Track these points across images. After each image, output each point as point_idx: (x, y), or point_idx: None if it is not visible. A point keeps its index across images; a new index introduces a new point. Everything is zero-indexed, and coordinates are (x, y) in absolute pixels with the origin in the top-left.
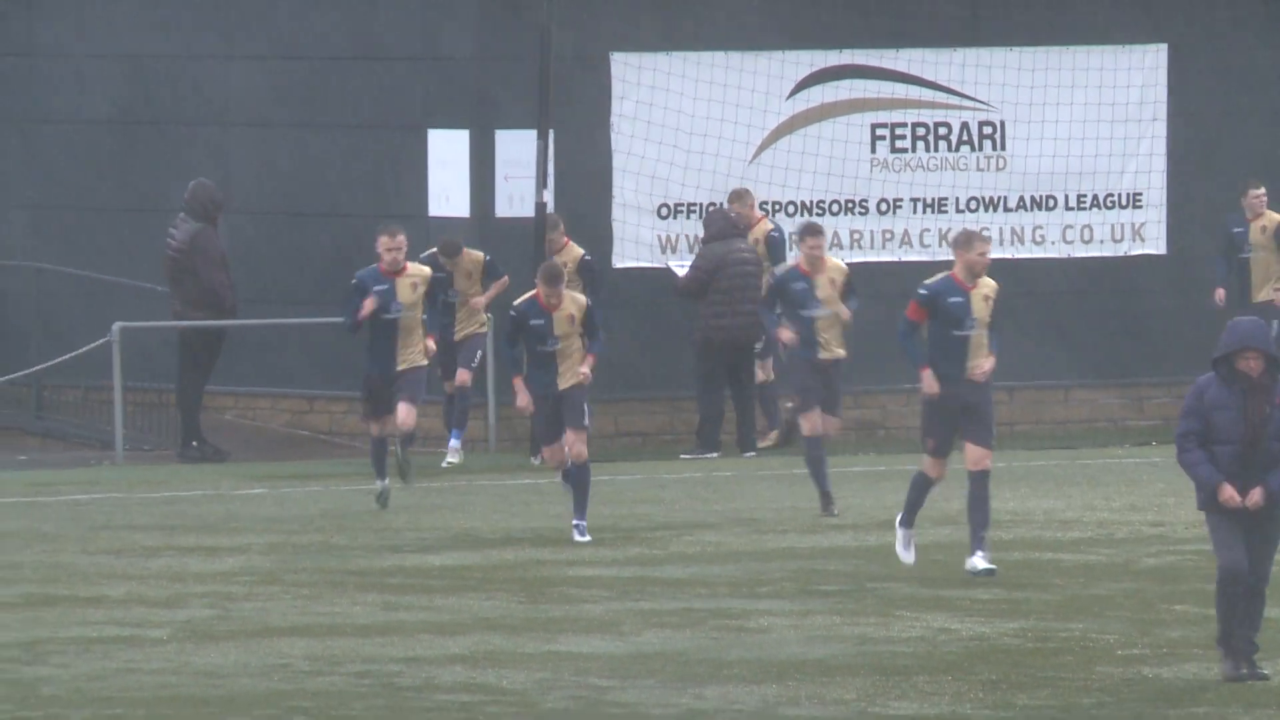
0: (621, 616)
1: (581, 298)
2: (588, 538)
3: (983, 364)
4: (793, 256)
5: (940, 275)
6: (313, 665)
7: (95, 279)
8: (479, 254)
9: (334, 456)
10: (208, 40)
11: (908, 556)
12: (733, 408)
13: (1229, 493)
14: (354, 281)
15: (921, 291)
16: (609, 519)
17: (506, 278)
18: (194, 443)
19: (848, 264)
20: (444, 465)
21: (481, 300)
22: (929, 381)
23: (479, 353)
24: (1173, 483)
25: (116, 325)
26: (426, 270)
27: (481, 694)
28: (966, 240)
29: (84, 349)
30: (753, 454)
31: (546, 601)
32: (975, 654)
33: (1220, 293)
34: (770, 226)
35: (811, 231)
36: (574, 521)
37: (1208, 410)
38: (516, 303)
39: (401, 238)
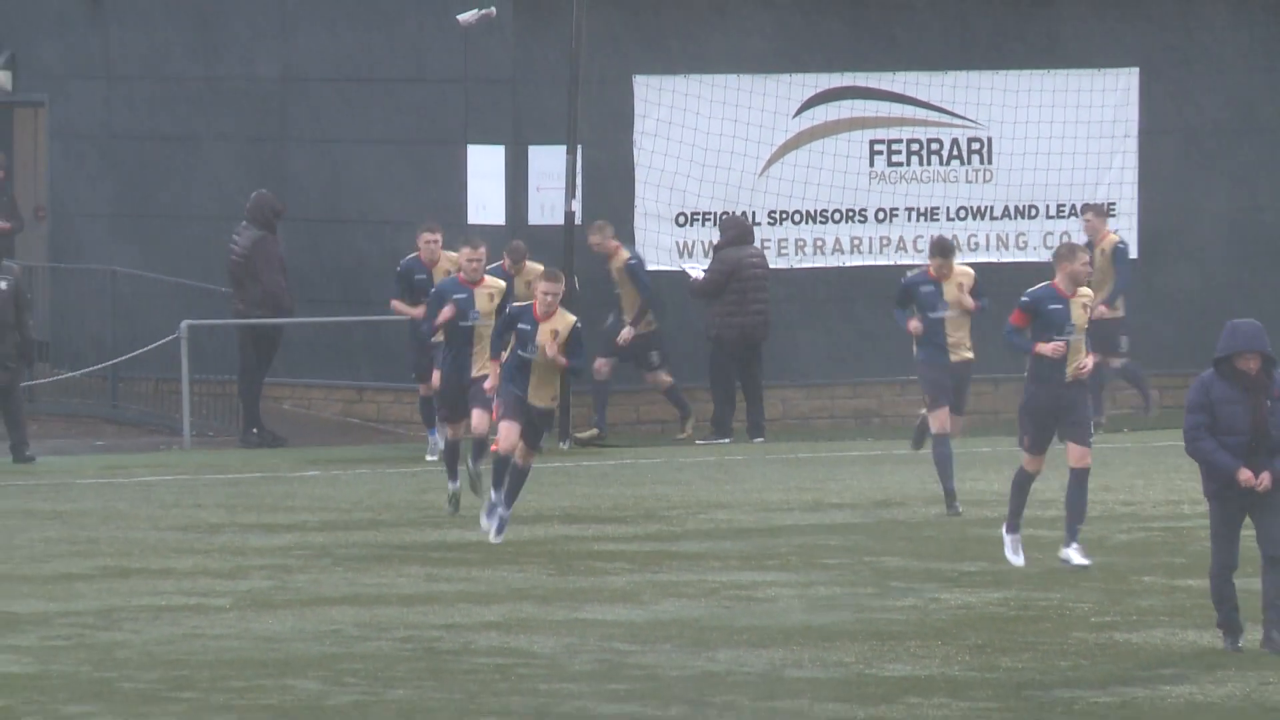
0: (641, 587)
1: (572, 317)
2: (500, 539)
3: (1085, 363)
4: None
5: (1042, 284)
6: (361, 631)
7: (165, 281)
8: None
9: (381, 442)
10: (268, 63)
11: (1017, 560)
12: (743, 397)
13: (1247, 474)
14: (434, 290)
15: (1024, 299)
16: (631, 499)
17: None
18: (254, 429)
19: (845, 266)
20: (429, 459)
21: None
22: (1051, 348)
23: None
24: (1142, 466)
25: (184, 323)
26: (502, 283)
27: (514, 657)
28: (1069, 252)
29: (155, 344)
30: (761, 439)
31: (573, 573)
32: (962, 621)
33: (1102, 309)
34: (628, 255)
35: (941, 252)
36: (501, 512)
37: (1214, 404)
38: (513, 306)
39: (483, 250)
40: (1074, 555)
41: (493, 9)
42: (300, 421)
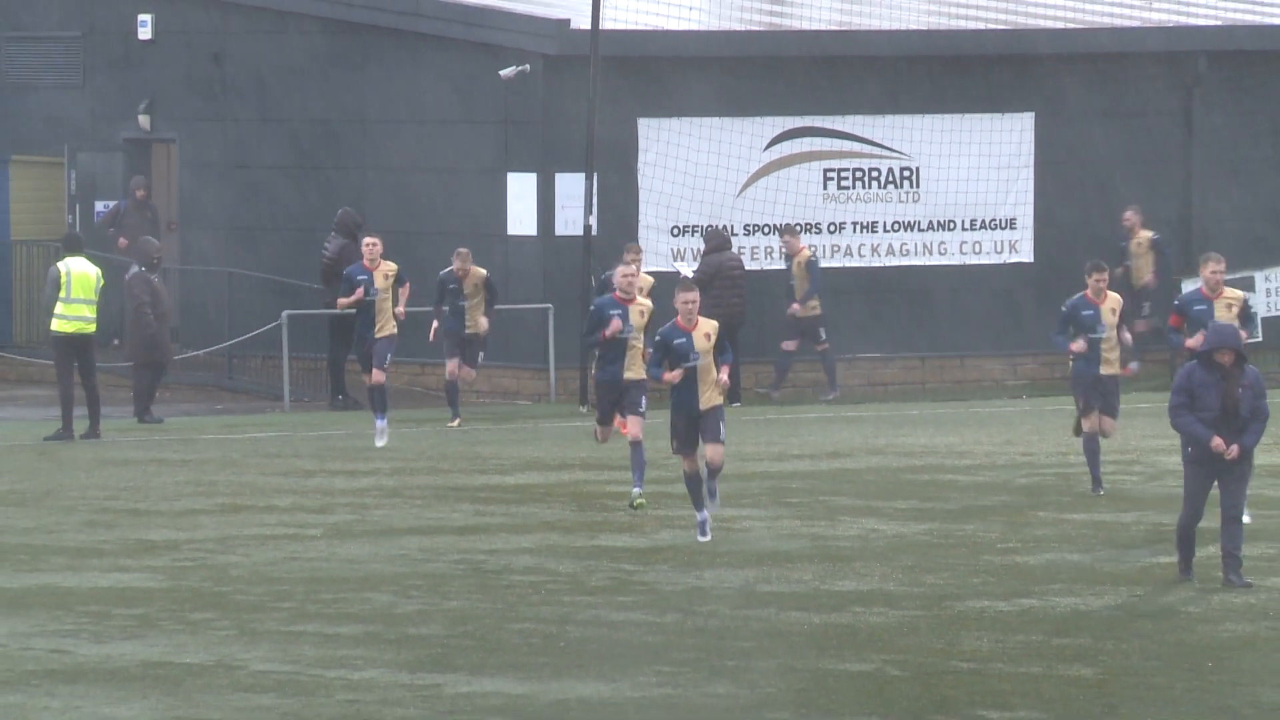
0: (643, 520)
1: (713, 321)
2: (708, 533)
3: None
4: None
5: (1192, 289)
6: (424, 554)
7: (270, 279)
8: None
9: (439, 407)
10: (349, 108)
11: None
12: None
13: (1219, 442)
14: (593, 307)
15: (1175, 302)
16: None
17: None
18: (340, 396)
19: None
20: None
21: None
22: (1194, 340)
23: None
24: (1037, 424)
25: (285, 313)
26: (649, 303)
27: (544, 575)
28: (1203, 261)
29: (262, 329)
30: (738, 404)
31: (590, 510)
32: (896, 547)
33: (795, 307)
34: (484, 272)
35: (1098, 269)
36: (710, 508)
37: (1194, 388)
38: (661, 329)
39: (635, 267)
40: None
41: (527, 66)
42: None
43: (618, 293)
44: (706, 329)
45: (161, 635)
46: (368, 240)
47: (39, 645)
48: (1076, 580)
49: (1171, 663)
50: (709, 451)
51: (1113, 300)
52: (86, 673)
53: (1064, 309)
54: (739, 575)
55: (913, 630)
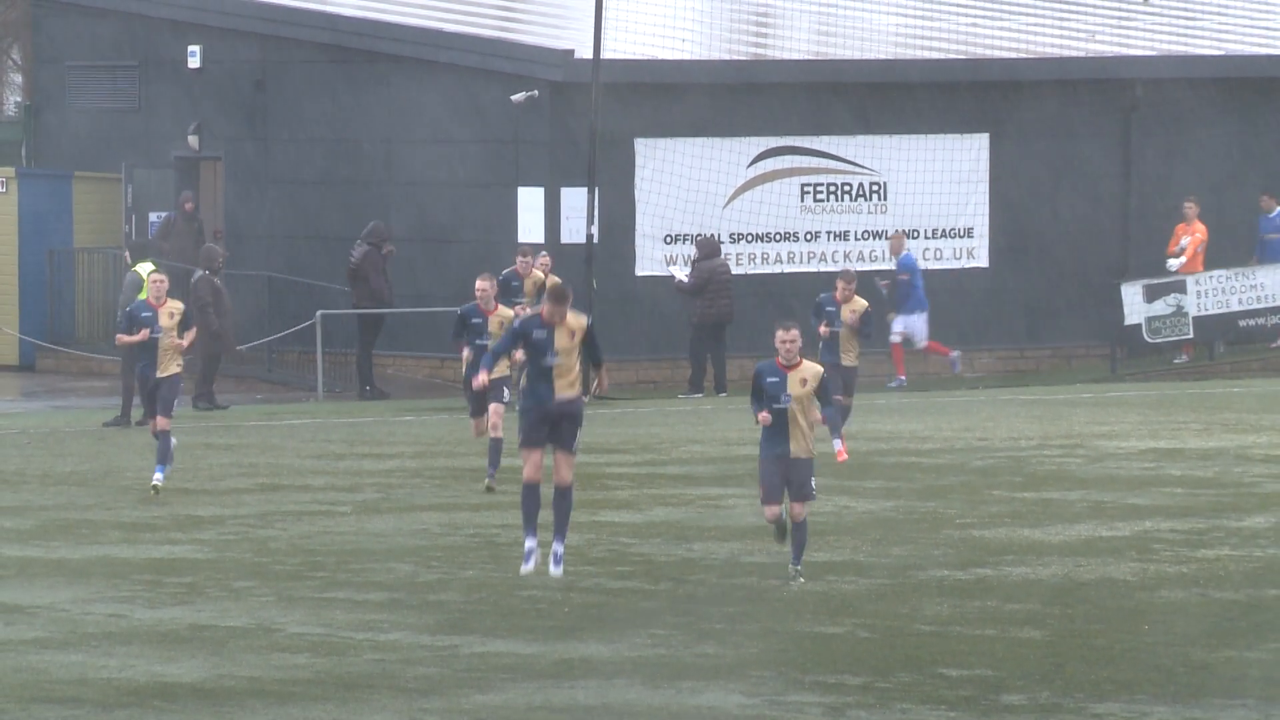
0: (639, 498)
1: (583, 317)
2: (560, 570)
3: None
4: None
5: None
6: (442, 529)
7: (306, 282)
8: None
9: (456, 396)
10: (378, 128)
11: None
12: (712, 365)
13: None
14: (755, 371)
15: None
16: (631, 436)
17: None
18: (367, 387)
19: (784, 273)
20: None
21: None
22: None
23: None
24: (992, 412)
25: (319, 312)
26: (819, 369)
27: (550, 547)
28: None
29: (298, 327)
30: (724, 394)
31: (591, 488)
32: (866, 522)
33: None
34: (511, 314)
35: None
36: (554, 547)
37: None
38: (524, 315)
39: (796, 331)
40: None
41: (536, 91)
42: (399, 382)
43: (779, 359)
44: (572, 326)
45: (208, 601)
46: (154, 277)
47: (98, 610)
48: (1027, 552)
49: (1112, 626)
50: (558, 461)
51: None
52: (140, 635)
53: None
54: (725, 548)
55: (880, 597)
